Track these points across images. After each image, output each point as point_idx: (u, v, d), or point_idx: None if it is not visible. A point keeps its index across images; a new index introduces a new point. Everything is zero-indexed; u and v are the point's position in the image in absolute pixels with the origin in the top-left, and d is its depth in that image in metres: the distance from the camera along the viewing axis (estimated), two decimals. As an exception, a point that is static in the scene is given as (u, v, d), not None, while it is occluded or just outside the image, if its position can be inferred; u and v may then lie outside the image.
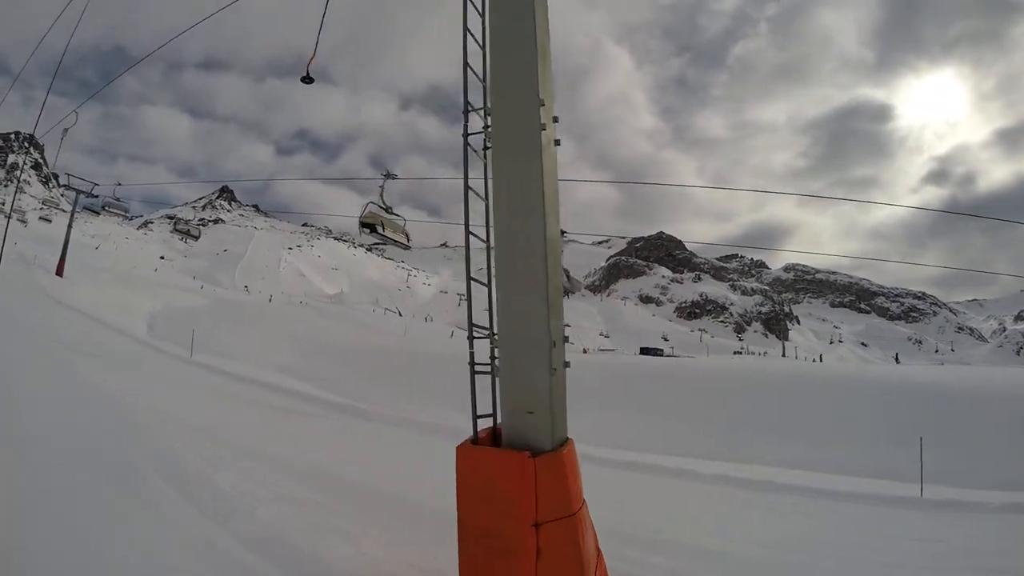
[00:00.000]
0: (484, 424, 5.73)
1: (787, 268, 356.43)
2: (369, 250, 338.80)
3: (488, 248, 6.04)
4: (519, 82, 5.56)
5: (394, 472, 11.70)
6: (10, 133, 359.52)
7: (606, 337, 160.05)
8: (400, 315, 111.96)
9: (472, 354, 5.80)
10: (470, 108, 6.11)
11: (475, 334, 5.67)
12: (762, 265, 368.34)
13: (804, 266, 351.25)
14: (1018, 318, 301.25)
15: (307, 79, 11.32)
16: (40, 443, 9.33)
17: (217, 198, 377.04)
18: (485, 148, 6.06)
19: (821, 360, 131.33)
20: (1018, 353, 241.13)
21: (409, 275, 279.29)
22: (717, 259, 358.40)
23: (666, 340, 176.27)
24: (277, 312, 60.84)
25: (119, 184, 24.29)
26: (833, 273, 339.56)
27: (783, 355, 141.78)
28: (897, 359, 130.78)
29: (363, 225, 15.56)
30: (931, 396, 23.90)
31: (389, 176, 16.08)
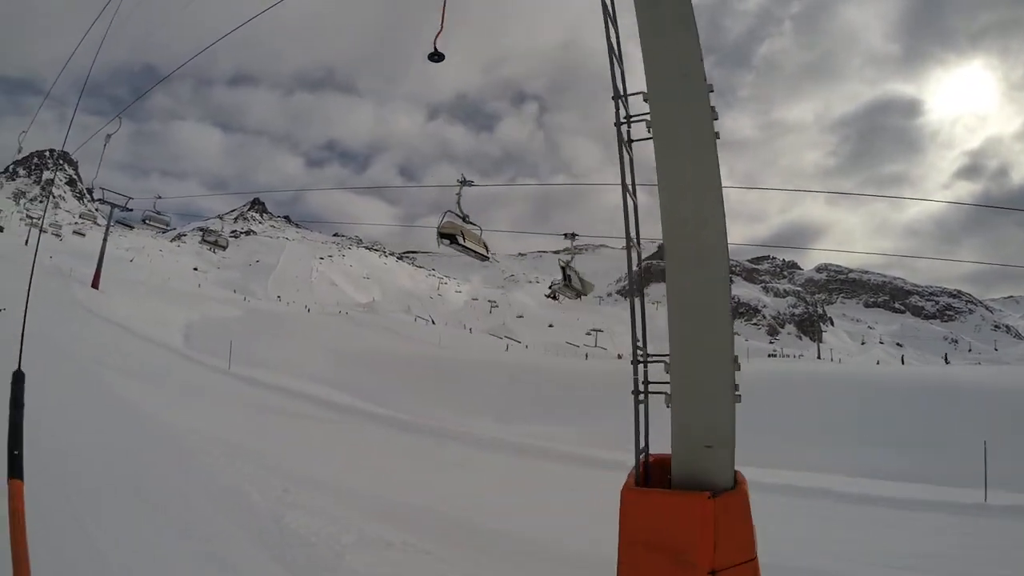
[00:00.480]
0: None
1: (819, 268, 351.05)
2: (400, 258, 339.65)
3: (637, 254, 5.75)
4: (683, 65, 4.95)
5: (474, 498, 10.96)
6: (44, 150, 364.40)
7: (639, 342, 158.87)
8: (433, 323, 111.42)
9: (636, 380, 5.25)
10: (621, 94, 5.50)
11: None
12: (794, 266, 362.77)
13: (837, 266, 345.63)
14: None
15: (435, 56, 10.52)
16: (78, 476, 8.45)
17: (248, 210, 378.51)
18: (629, 141, 5.44)
19: (838, 360, 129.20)
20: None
21: (440, 283, 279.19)
22: (748, 261, 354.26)
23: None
24: (312, 322, 60.81)
25: (159, 197, 23.80)
26: (866, 272, 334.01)
27: (818, 357, 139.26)
28: (947, 359, 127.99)
29: (442, 236, 13.78)
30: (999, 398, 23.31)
31: (466, 183, 14.49)
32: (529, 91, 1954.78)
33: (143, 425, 12.49)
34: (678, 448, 4.65)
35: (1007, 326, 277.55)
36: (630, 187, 5.36)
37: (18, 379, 3.41)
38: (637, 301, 5.50)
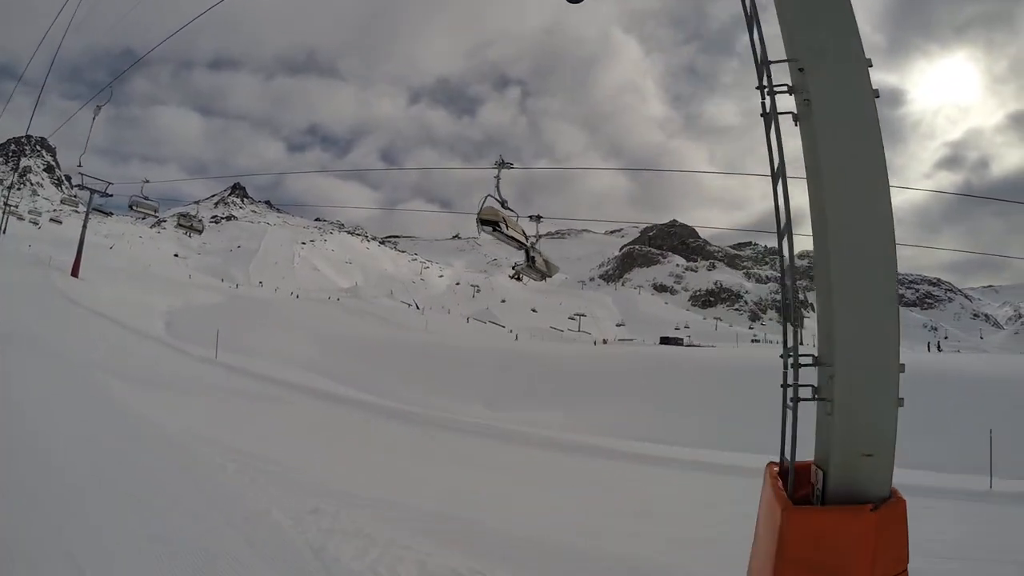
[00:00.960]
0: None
1: (801, 255, 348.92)
2: (382, 243, 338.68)
3: (789, 245, 5.21)
4: (840, 30, 4.63)
5: (521, 504, 10.28)
6: (21, 137, 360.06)
7: (620, 326, 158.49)
8: (418, 308, 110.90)
9: (796, 386, 4.63)
10: (767, 63, 5.12)
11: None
12: (776, 253, 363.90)
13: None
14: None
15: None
16: (72, 495, 7.30)
17: (229, 195, 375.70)
18: (775, 115, 5.04)
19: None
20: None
21: (423, 267, 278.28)
22: (731, 247, 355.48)
23: (686, 328, 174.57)
24: (297, 308, 60.19)
25: (146, 181, 23.15)
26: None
27: (800, 343, 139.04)
28: (939, 347, 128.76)
29: (483, 223, 13.48)
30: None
31: (505, 165, 14.06)
32: (512, 75, 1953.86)
33: (135, 426, 11.75)
34: (836, 457, 4.35)
35: (986, 315, 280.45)
36: (777, 166, 5.03)
37: None
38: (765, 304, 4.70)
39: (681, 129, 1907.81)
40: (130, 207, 25.47)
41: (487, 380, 33.00)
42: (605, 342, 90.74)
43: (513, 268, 17.94)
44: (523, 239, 14.97)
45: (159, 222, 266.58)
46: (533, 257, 15.95)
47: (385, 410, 19.80)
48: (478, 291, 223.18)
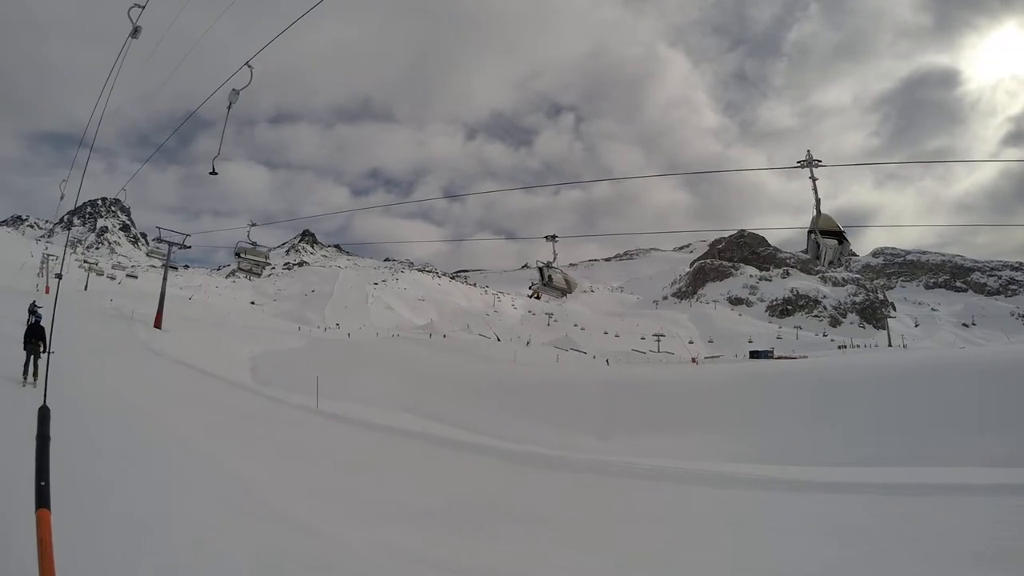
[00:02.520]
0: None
1: (875, 253, 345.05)
2: (453, 278, 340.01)
3: None
4: None
5: None
6: (97, 199, 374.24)
7: (691, 343, 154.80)
8: (499, 339, 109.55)
9: None
10: None
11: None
12: (850, 253, 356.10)
13: (893, 249, 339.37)
14: None
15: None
16: None
17: (299, 242, 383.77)
18: None
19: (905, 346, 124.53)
20: None
21: (496, 299, 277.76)
22: (802, 252, 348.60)
23: (778, 340, 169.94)
24: (378, 347, 59.16)
25: (253, 224, 22.15)
26: (924, 253, 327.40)
27: (889, 344, 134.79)
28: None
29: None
30: None
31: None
32: (564, 102, 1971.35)
33: (267, 520, 8.98)
34: None
35: None
36: None
37: (43, 415, 3.18)
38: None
39: (737, 137, 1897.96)
40: (237, 255, 24.11)
41: (592, 409, 31.31)
42: (694, 361, 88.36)
43: (530, 287, 17.77)
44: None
45: (233, 272, 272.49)
46: (550, 276, 16.37)
47: (520, 457, 17.42)
48: (554, 319, 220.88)
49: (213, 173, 12.91)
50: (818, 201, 13.47)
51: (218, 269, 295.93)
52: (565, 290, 16.79)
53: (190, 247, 50.73)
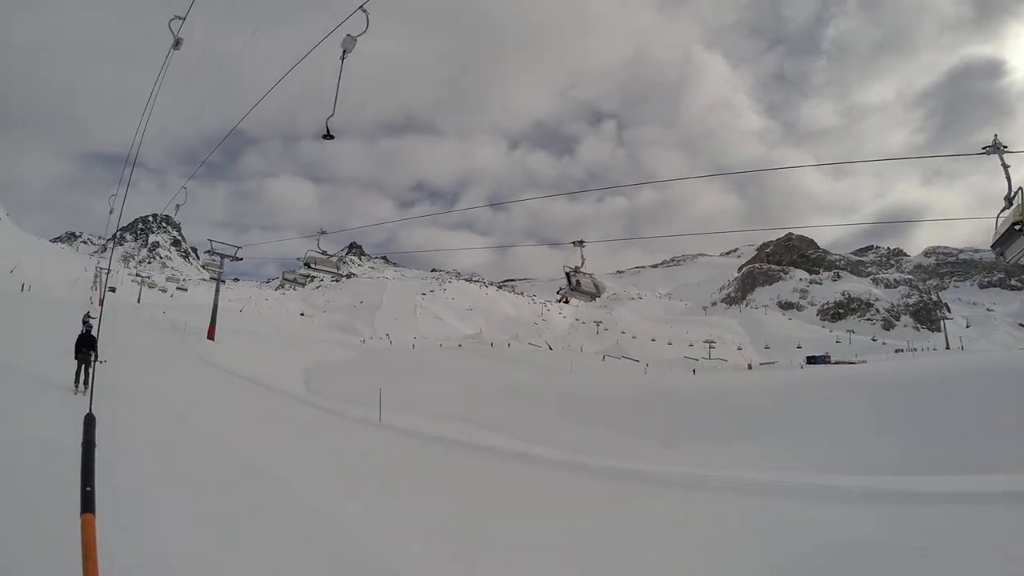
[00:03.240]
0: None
1: (927, 252, 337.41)
2: (500, 287, 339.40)
3: None
4: None
5: None
6: (148, 215, 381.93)
7: (739, 349, 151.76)
8: (550, 348, 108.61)
9: None
10: None
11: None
12: (900, 253, 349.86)
13: (945, 248, 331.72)
14: None
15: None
16: None
17: (347, 254, 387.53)
18: None
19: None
20: None
21: (544, 308, 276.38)
22: (852, 254, 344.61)
23: (837, 343, 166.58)
24: (431, 357, 58.73)
25: (323, 232, 21.80)
26: (976, 251, 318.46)
27: (947, 347, 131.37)
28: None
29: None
30: None
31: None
32: (605, 110, 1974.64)
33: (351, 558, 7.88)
34: None
35: None
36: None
37: (89, 422, 3.21)
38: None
39: (781, 138, 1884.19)
40: (306, 265, 23.71)
41: (653, 418, 30.32)
42: (750, 367, 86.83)
43: (558, 293, 18.75)
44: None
45: (282, 284, 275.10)
46: (578, 280, 16.69)
47: (596, 471, 16.27)
48: (603, 327, 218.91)
49: (328, 136, 12.20)
50: (1017, 191, 12.34)
51: (267, 282, 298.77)
52: (594, 293, 17.24)
53: (242, 259, 50.83)
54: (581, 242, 16.57)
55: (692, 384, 39.50)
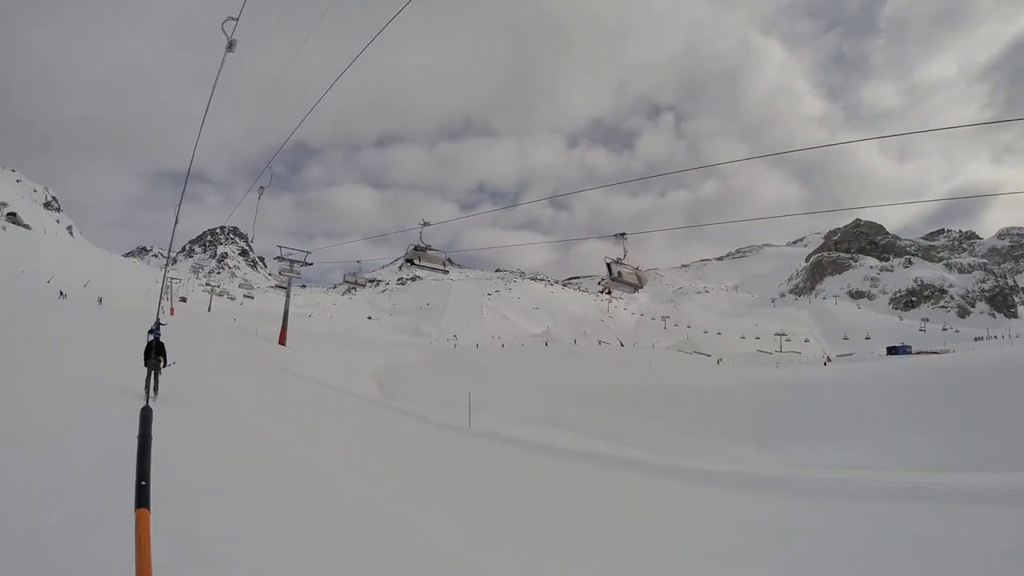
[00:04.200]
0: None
1: (1000, 235, 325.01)
2: (565, 285, 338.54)
3: None
4: None
5: None
6: (216, 228, 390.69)
7: (807, 342, 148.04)
8: (622, 345, 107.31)
9: None
10: None
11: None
12: (973, 236, 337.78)
13: (1019, 229, 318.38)
14: None
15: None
16: None
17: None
18: None
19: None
20: None
21: (610, 304, 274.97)
22: (923, 238, 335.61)
23: (921, 331, 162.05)
24: (504, 357, 57.85)
25: (426, 223, 21.27)
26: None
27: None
28: None
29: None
30: None
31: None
32: (662, 103, 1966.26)
33: None
34: None
35: None
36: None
37: (145, 416, 3.16)
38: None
39: (843, 122, 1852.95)
40: (408, 261, 23.43)
41: (742, 416, 29.00)
42: (829, 360, 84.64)
43: (600, 283, 17.04)
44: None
45: (349, 289, 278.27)
46: (619, 272, 16.69)
47: (714, 477, 15.63)
48: (671, 322, 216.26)
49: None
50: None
51: (334, 287, 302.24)
52: (636, 284, 17.10)
53: (312, 263, 50.81)
54: (623, 234, 16.79)
55: (777, 379, 37.76)
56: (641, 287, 17.40)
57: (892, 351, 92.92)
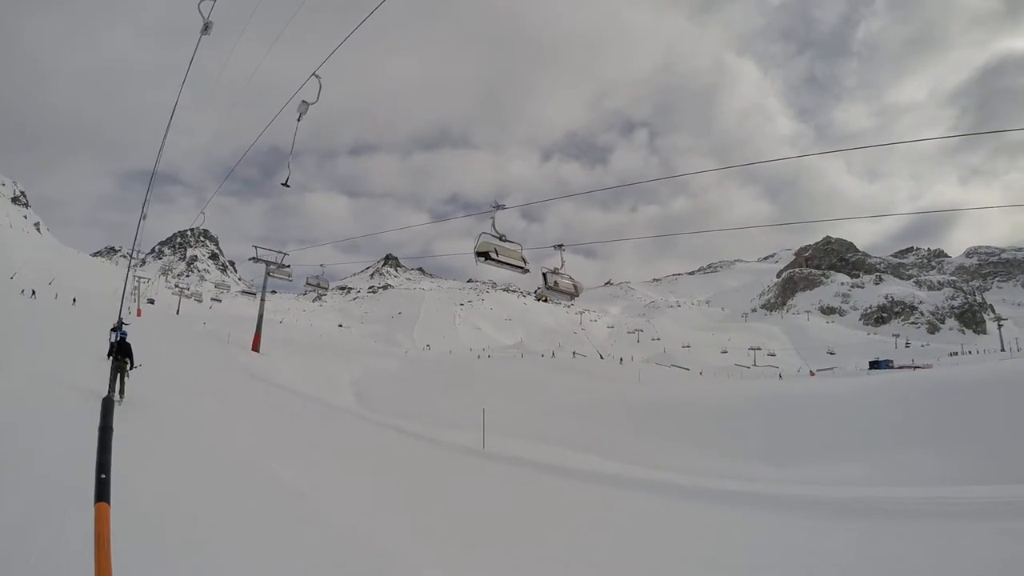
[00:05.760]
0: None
1: (968, 253, 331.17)
2: (547, 300, 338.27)
3: None
4: None
5: None
6: (186, 230, 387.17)
7: (771, 355, 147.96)
8: (601, 358, 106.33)
9: None
10: None
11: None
12: (941, 254, 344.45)
13: (987, 247, 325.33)
14: None
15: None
16: None
17: (383, 266, 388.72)
18: None
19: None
20: None
21: (581, 316, 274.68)
22: (892, 256, 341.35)
23: (912, 346, 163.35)
24: (483, 368, 56.66)
25: (500, 206, 19.91)
26: (1019, 249, 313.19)
27: (1001, 349, 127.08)
28: None
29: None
30: None
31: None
32: (637, 119, 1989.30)
33: None
34: None
35: None
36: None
37: (107, 406, 3.26)
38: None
39: (813, 142, 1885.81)
40: (480, 255, 21.77)
41: (750, 432, 27.95)
42: (812, 374, 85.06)
43: (536, 291, 18.17)
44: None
45: (319, 296, 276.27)
46: (555, 281, 16.72)
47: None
48: (645, 336, 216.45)
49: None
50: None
51: (304, 294, 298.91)
52: (572, 293, 17.17)
53: (289, 267, 48.59)
54: (561, 245, 17.19)
55: (772, 393, 36.71)
56: (577, 295, 17.64)
57: (875, 365, 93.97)
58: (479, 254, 15.90)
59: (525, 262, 16.62)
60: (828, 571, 8.92)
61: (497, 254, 15.93)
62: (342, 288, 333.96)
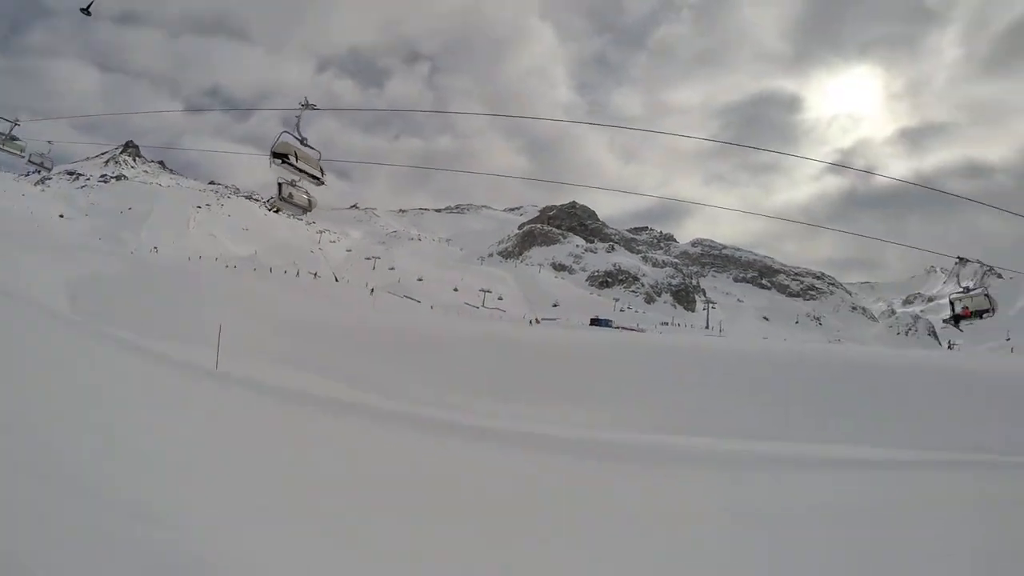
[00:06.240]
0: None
1: (695, 243, 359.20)
2: (279, 211, 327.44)
3: None
4: None
5: None
6: None
7: (500, 299, 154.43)
8: (337, 281, 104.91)
9: None
10: None
11: None
12: (671, 238, 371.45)
13: (711, 241, 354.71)
14: (906, 302, 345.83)
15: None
16: None
17: (121, 153, 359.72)
18: None
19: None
20: (905, 334, 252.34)
21: (321, 235, 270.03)
22: (628, 231, 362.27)
23: (632, 310, 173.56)
24: (219, 279, 54.36)
25: (309, 105, 17.92)
26: (738, 250, 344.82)
27: (706, 327, 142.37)
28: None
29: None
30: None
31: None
32: (424, 51, 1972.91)
33: None
34: None
35: (863, 308, 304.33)
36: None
37: None
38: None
39: (585, 115, 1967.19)
40: (276, 156, 19.45)
41: (482, 369, 29.55)
42: (537, 321, 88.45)
43: (268, 201, 18.53)
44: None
45: (43, 179, 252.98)
46: (290, 193, 15.51)
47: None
48: (383, 264, 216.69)
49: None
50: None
51: (27, 175, 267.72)
52: (305, 207, 16.13)
53: (19, 139, 42.72)
54: (318, 153, 15.66)
55: (508, 336, 38.26)
56: (310, 209, 16.59)
57: (595, 322, 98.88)
58: (276, 155, 14.57)
59: (323, 172, 15.77)
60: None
61: (296, 159, 14.76)
62: (70, 173, 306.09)
